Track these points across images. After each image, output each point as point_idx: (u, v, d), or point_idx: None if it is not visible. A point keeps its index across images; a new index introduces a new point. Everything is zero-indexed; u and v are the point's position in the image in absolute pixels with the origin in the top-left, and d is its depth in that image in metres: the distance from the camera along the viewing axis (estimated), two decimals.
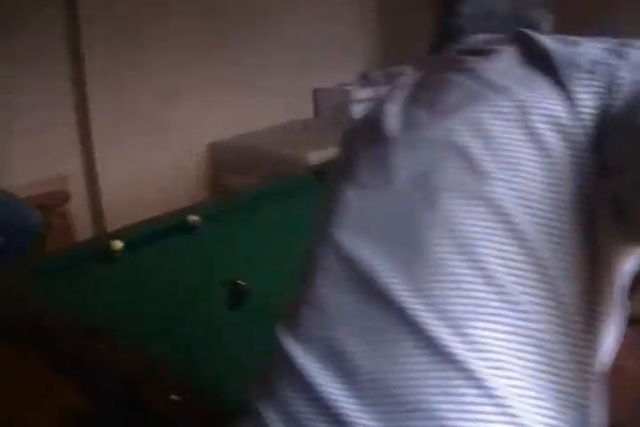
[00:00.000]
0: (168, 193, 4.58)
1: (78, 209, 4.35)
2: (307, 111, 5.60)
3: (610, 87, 0.83)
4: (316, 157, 4.53)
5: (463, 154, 0.88)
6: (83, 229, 4.31)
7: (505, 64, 0.95)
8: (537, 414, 0.76)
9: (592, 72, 0.85)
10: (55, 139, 4.26)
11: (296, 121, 5.43)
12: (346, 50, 5.78)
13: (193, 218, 2.55)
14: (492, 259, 0.81)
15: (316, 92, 5.60)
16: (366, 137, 1.05)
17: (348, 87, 5.54)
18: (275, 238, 2.44)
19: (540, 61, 0.91)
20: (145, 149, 4.58)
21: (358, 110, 5.42)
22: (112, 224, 4.32)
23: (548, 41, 0.93)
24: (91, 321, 1.81)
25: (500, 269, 0.80)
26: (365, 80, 5.82)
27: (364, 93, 5.49)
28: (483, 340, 0.78)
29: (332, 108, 5.55)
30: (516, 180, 0.84)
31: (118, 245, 2.33)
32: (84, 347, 1.71)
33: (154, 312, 1.92)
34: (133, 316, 1.89)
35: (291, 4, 5.22)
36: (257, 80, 5.10)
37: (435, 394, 0.76)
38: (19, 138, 4.06)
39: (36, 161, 4.14)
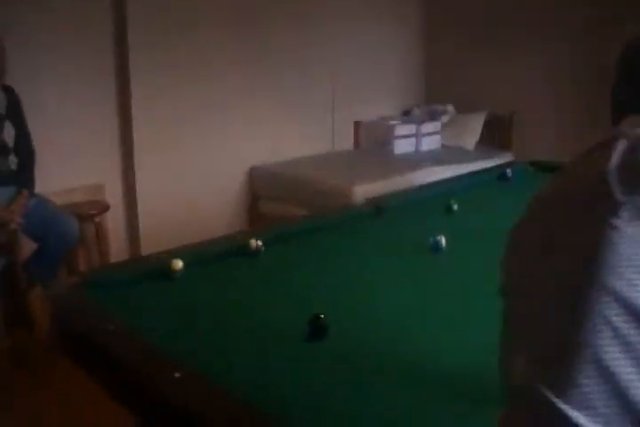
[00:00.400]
0: (202, 212, 4.45)
1: (114, 221, 4.23)
2: (346, 143, 5.49)
3: None
4: (362, 190, 4.41)
5: None
6: (117, 240, 4.19)
7: None
8: None
9: None
10: (96, 149, 4.16)
11: (335, 152, 5.31)
12: (389, 85, 5.71)
13: (256, 242, 2.41)
14: None
15: (357, 124, 5.50)
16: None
17: (391, 122, 5.44)
18: (337, 267, 2.31)
19: None
20: (184, 167, 4.46)
21: (401, 145, 5.32)
22: (146, 237, 4.20)
23: None
24: (154, 344, 1.65)
25: None
26: (407, 116, 5.72)
27: (406, 129, 5.39)
28: None
29: (372, 141, 5.44)
30: None
31: (179, 264, 2.18)
32: (154, 376, 1.55)
33: (224, 341, 1.77)
34: (206, 344, 1.74)
35: (335, 37, 5.15)
36: (300, 109, 5.01)
37: None
38: (60, 145, 3.95)
39: (75, 169, 4.04)
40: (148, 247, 3.81)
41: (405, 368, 1.62)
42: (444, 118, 5.69)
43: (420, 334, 1.81)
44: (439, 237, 2.52)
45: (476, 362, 1.52)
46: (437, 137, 5.61)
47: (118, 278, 2.09)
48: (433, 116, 5.69)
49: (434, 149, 5.56)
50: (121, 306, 1.92)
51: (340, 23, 5.14)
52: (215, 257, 2.33)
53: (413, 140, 5.45)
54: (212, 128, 4.55)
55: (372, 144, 5.43)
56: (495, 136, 5.69)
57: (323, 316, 1.77)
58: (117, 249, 4.11)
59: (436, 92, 5.87)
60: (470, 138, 5.67)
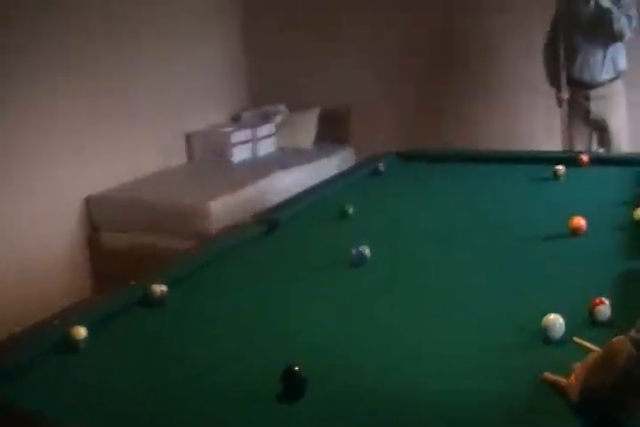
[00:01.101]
0: (33, 253, 3.86)
1: None
2: (179, 158, 5.05)
3: None
4: (218, 205, 4.03)
5: None
6: None
7: None
8: None
9: None
10: None
11: (171, 169, 4.86)
12: (213, 91, 5.34)
13: (159, 288, 1.99)
14: None
15: (189, 136, 5.07)
16: None
17: (225, 130, 5.07)
18: (261, 298, 1.96)
19: None
20: (9, 206, 3.83)
21: (239, 153, 4.98)
22: None
23: None
24: None
25: None
26: (238, 121, 5.38)
27: (242, 136, 5.06)
28: None
29: (207, 152, 5.04)
30: None
31: (81, 333, 1.73)
32: None
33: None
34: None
35: (153, 50, 4.71)
36: (126, 128, 4.51)
37: None
38: None
39: None
40: None
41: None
42: (278, 119, 5.40)
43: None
44: (361, 248, 2.23)
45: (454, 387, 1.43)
46: (272, 139, 5.32)
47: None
48: (265, 119, 5.39)
49: (271, 153, 5.28)
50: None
51: (152, 41, 4.69)
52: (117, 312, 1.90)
53: (250, 145, 5.12)
54: (38, 159, 3.95)
55: (207, 155, 5.03)
56: (331, 132, 5.49)
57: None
58: None
59: (264, 92, 5.56)
60: (306, 137, 5.43)
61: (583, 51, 4.08)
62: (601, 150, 4.18)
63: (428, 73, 5.24)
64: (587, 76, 4.11)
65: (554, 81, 4.28)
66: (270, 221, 2.69)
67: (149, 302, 1.98)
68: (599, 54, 4.05)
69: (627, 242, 2.23)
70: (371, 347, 1.66)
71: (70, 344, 1.71)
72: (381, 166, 3.49)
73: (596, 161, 3.34)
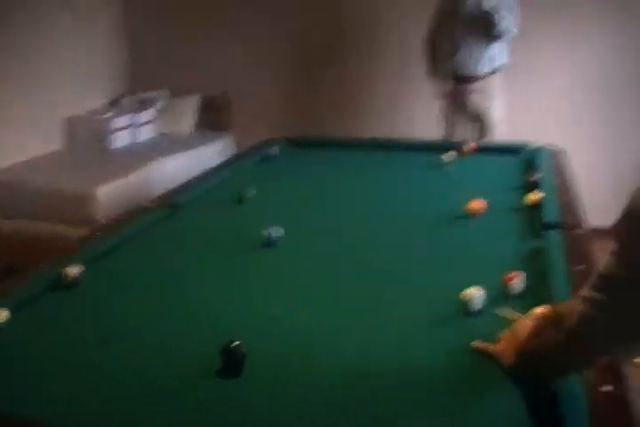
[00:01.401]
0: None
1: None
2: (57, 143, 4.88)
3: None
4: (105, 191, 3.95)
5: None
6: None
7: None
8: None
9: None
10: None
11: (50, 154, 4.70)
12: (91, 75, 5.19)
13: (73, 271, 1.94)
14: None
15: (69, 121, 4.91)
16: None
17: (105, 115, 4.95)
18: (178, 282, 1.95)
19: None
20: None
21: (119, 139, 4.88)
22: None
23: None
24: None
25: None
26: (117, 107, 5.26)
27: (122, 121, 4.96)
28: None
29: (85, 137, 4.90)
30: None
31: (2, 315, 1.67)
32: None
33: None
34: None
35: (31, 33, 4.53)
36: (5, 113, 4.32)
37: None
38: None
39: None
40: None
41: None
42: (158, 105, 5.32)
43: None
44: (275, 229, 2.26)
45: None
46: (153, 126, 5.25)
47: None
48: (145, 105, 5.29)
49: (151, 139, 5.20)
50: None
51: (29, 23, 4.50)
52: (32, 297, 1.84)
53: (130, 131, 5.03)
54: None
55: (87, 140, 4.88)
56: (212, 119, 5.47)
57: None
58: None
59: (145, 78, 5.45)
60: (186, 123, 5.38)
61: (464, 46, 4.24)
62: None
63: (309, 62, 5.31)
64: (466, 71, 4.29)
65: (434, 74, 4.45)
66: (172, 204, 2.68)
67: (64, 284, 1.93)
68: (479, 49, 4.23)
69: (525, 223, 2.37)
70: (297, 320, 1.70)
71: None
72: (272, 151, 3.52)
73: (482, 149, 3.50)
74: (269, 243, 2.23)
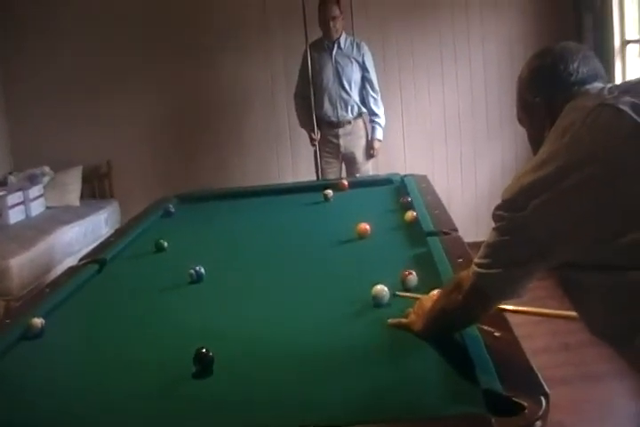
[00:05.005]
0: None
1: None
2: None
3: None
4: (18, 262, 4.17)
5: None
6: None
7: None
8: None
9: None
10: None
11: None
12: None
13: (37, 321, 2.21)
14: None
15: None
16: None
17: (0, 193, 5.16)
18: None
19: None
20: None
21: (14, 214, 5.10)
22: None
23: None
24: None
25: None
26: (8, 185, 5.47)
27: (16, 198, 5.20)
28: None
29: None
30: None
31: None
32: None
33: None
34: None
35: None
36: None
37: None
38: None
39: None
40: None
41: None
42: (45, 180, 5.58)
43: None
44: (198, 267, 2.62)
45: None
46: (42, 200, 5.51)
47: None
48: (31, 181, 5.53)
49: (43, 212, 5.44)
50: None
51: None
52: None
53: (23, 207, 5.27)
54: None
55: None
56: (96, 188, 5.81)
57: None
58: None
59: (27, 155, 5.71)
60: (73, 194, 5.65)
61: (331, 94, 4.80)
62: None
63: (183, 128, 5.76)
64: (334, 117, 4.83)
65: (306, 125, 4.96)
66: (98, 261, 2.97)
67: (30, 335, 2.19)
68: (344, 96, 4.79)
69: (407, 236, 2.85)
70: (241, 329, 2.08)
71: None
72: (171, 208, 3.86)
73: (356, 184, 4.00)
74: (198, 279, 2.59)
